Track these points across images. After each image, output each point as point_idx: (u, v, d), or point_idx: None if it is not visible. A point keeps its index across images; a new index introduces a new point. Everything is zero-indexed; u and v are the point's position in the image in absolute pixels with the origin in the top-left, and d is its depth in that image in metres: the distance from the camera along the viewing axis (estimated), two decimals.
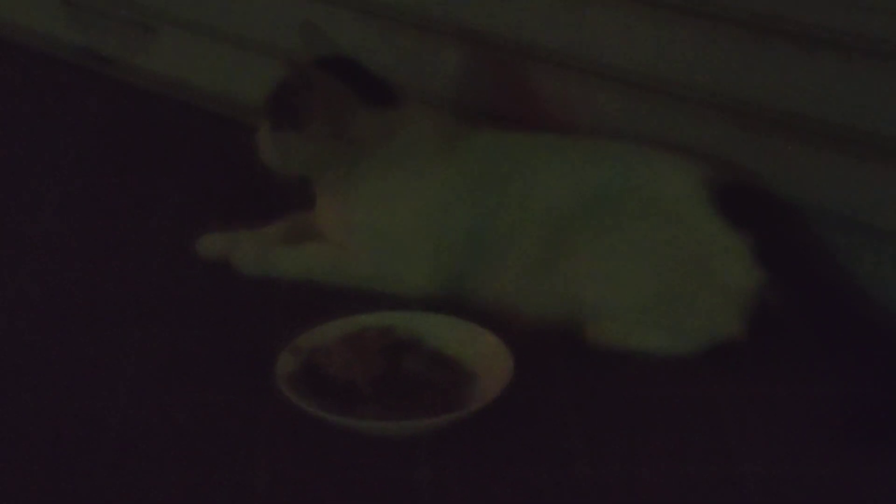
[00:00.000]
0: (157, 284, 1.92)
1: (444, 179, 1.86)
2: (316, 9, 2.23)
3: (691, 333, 1.75)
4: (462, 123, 1.97)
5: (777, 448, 1.60)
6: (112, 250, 2.01)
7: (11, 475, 1.57)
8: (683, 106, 1.92)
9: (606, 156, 1.85)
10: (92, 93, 2.51)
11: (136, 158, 2.29)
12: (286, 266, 1.92)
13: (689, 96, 1.92)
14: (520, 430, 1.63)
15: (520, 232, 1.81)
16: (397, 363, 1.68)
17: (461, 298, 1.84)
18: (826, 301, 1.75)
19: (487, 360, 1.69)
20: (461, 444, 1.60)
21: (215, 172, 2.21)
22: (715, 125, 1.90)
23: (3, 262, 1.98)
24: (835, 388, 1.68)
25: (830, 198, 1.82)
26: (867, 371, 1.69)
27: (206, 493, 1.54)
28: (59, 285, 1.93)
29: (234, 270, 1.93)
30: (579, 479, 1.56)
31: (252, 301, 1.88)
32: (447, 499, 1.54)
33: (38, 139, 2.36)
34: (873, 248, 1.79)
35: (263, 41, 2.32)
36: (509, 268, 1.81)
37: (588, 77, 2.01)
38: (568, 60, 2.02)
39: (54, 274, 1.96)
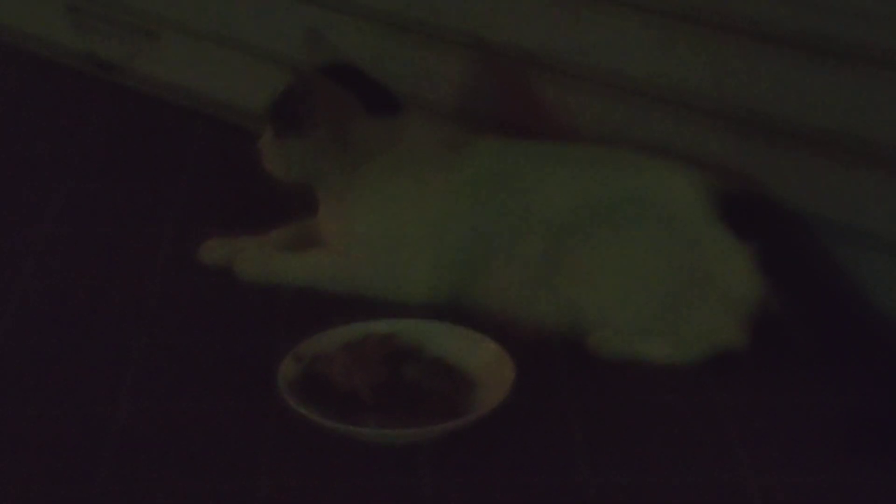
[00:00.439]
0: (159, 290, 1.92)
1: (447, 187, 1.86)
2: (320, 16, 2.23)
3: (693, 342, 1.75)
4: (464, 131, 1.97)
5: (779, 457, 1.60)
6: (114, 256, 2.01)
7: (14, 480, 1.56)
8: (686, 114, 1.92)
9: (609, 164, 1.85)
10: (95, 98, 2.51)
11: (138, 164, 2.29)
12: (288, 273, 1.92)
13: (693, 104, 1.91)
14: (521, 438, 1.63)
15: (522, 240, 1.81)
16: (399, 371, 1.68)
17: (463, 306, 1.84)
18: (829, 310, 1.75)
19: (489, 367, 1.69)
20: (463, 452, 1.60)
21: (218, 179, 2.22)
22: (718, 134, 1.90)
23: (6, 267, 1.98)
24: (838, 397, 1.68)
25: (833, 206, 1.82)
26: (870, 380, 1.68)
27: (208, 500, 1.54)
28: (62, 290, 1.93)
29: (236, 277, 1.93)
30: (581, 488, 1.55)
31: (254, 308, 1.88)
32: None
33: (41, 145, 2.36)
34: (876, 257, 1.79)
35: (267, 48, 2.32)
36: (511, 275, 1.81)
37: (591, 85, 2.00)
38: (571, 68, 2.02)
39: (57, 279, 1.96)
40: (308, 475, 1.58)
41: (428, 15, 2.15)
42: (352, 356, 1.69)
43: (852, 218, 1.80)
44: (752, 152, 1.88)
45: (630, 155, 1.87)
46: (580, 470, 1.58)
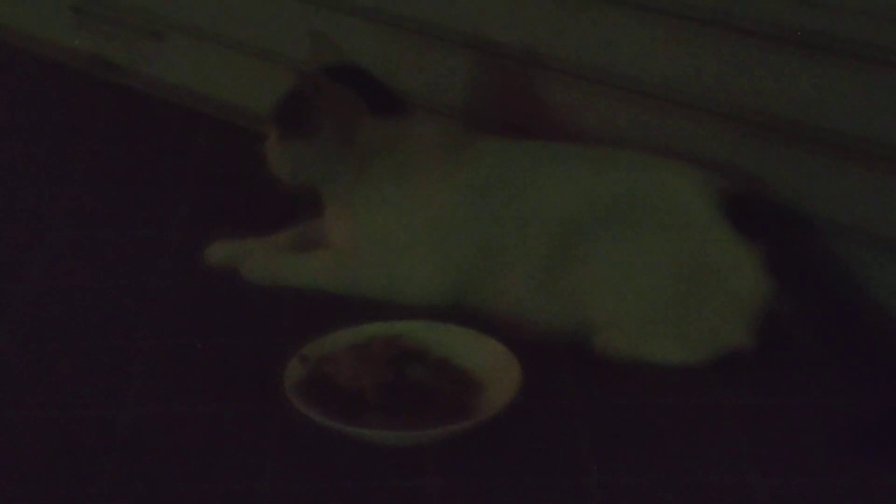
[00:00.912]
0: (164, 292, 1.92)
1: (452, 188, 1.86)
2: (325, 18, 2.23)
3: (700, 343, 1.75)
4: (469, 132, 1.97)
5: (786, 459, 1.60)
6: (120, 257, 2.01)
7: (19, 482, 1.57)
8: (693, 115, 1.92)
9: (615, 165, 1.85)
10: (100, 100, 2.51)
11: (144, 166, 2.29)
12: (294, 274, 1.92)
13: (699, 105, 1.91)
14: (527, 439, 1.63)
15: (527, 241, 1.81)
16: (405, 372, 1.68)
17: (469, 307, 1.83)
18: (836, 312, 1.75)
19: (495, 369, 1.69)
20: (469, 454, 1.60)
21: (223, 180, 2.22)
22: (725, 135, 1.90)
23: (12, 268, 1.98)
24: (845, 398, 1.68)
25: (840, 207, 1.81)
26: (877, 382, 1.68)
27: (214, 501, 1.54)
28: (68, 291, 1.93)
29: (242, 278, 1.93)
30: (587, 489, 1.55)
31: (259, 309, 1.88)
32: None
33: (46, 146, 2.36)
34: (884, 258, 1.79)
35: (272, 49, 2.32)
36: (517, 277, 1.81)
37: (596, 86, 2.00)
38: (576, 69, 2.02)
39: (63, 280, 1.96)
40: (314, 476, 1.58)
41: (432, 16, 2.15)
42: (358, 358, 1.69)
43: (859, 219, 1.80)
44: (758, 153, 1.88)
45: (635, 155, 1.87)
46: (586, 471, 1.58)
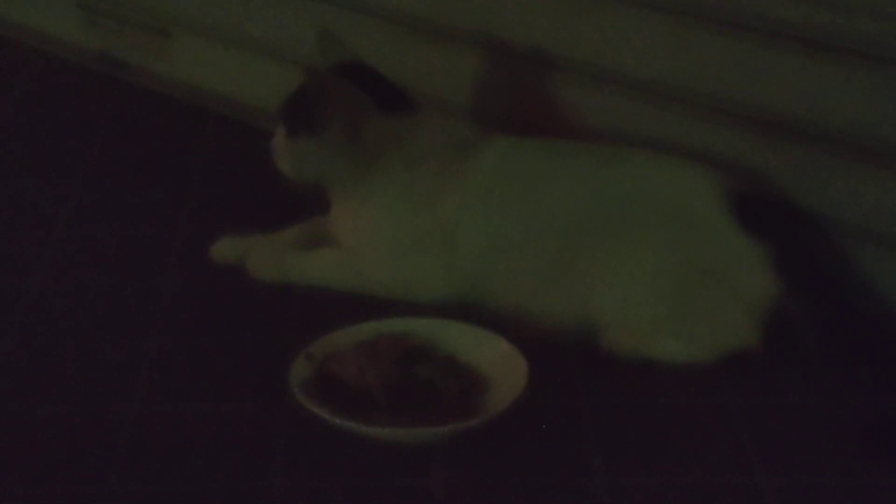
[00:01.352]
0: (171, 289, 1.92)
1: (459, 186, 1.86)
2: (333, 15, 2.23)
3: (707, 343, 1.74)
4: (477, 130, 1.97)
5: (793, 458, 1.59)
6: (127, 254, 2.01)
7: (27, 480, 1.57)
8: (701, 114, 1.92)
9: (623, 163, 1.84)
10: (107, 97, 2.51)
11: (151, 163, 2.29)
12: (301, 272, 1.92)
13: (707, 104, 1.91)
14: (533, 438, 1.63)
15: (535, 239, 1.81)
16: (411, 370, 1.68)
17: (476, 305, 1.83)
18: (843, 311, 1.74)
19: (502, 367, 1.69)
20: (475, 452, 1.60)
21: (230, 178, 2.21)
22: (733, 133, 1.90)
23: (20, 265, 1.98)
24: (852, 398, 1.68)
25: (848, 206, 1.81)
26: (885, 382, 1.68)
27: (221, 499, 1.54)
28: (75, 289, 1.93)
29: (249, 276, 1.93)
30: (594, 488, 1.55)
31: (266, 307, 1.88)
32: None
33: (53, 143, 2.36)
34: (892, 257, 1.78)
35: (279, 47, 2.32)
36: (524, 275, 1.81)
37: (605, 84, 2.00)
38: (585, 67, 2.02)
39: (70, 277, 1.96)
40: (320, 474, 1.58)
41: (440, 14, 2.15)
42: (364, 355, 1.69)
43: (867, 218, 1.80)
44: (766, 151, 1.87)
45: (644, 154, 1.87)
46: (593, 470, 1.58)
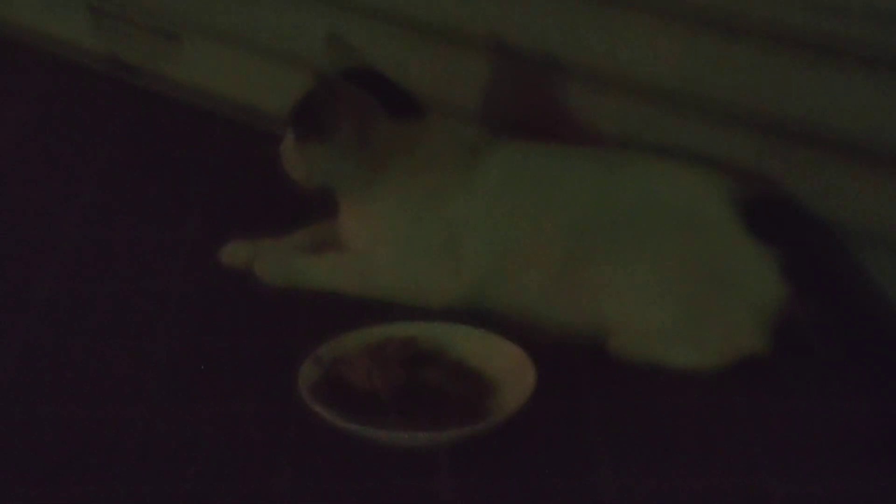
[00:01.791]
0: (180, 292, 1.93)
1: (468, 190, 1.86)
2: (342, 20, 2.23)
3: (716, 347, 1.74)
4: (486, 134, 1.97)
5: (802, 464, 1.59)
6: (135, 258, 2.02)
7: (34, 481, 1.57)
8: (710, 118, 1.92)
9: (631, 168, 1.84)
10: (116, 101, 2.51)
11: (159, 167, 2.29)
12: (309, 276, 1.92)
13: (716, 108, 1.91)
14: (542, 441, 1.63)
15: (543, 243, 1.81)
16: (419, 374, 1.68)
17: (484, 309, 1.83)
18: (852, 315, 1.74)
19: (510, 371, 1.69)
20: (483, 456, 1.60)
21: (239, 182, 2.22)
22: (743, 138, 1.90)
23: (27, 270, 1.98)
24: (861, 403, 1.68)
25: (857, 211, 1.81)
26: (894, 387, 1.68)
27: (228, 502, 1.54)
28: (83, 292, 1.93)
29: (257, 279, 1.93)
30: (601, 492, 1.55)
31: (275, 310, 1.88)
32: None
33: (61, 146, 2.36)
34: None
35: (289, 51, 2.32)
36: (533, 279, 1.81)
37: (614, 89, 2.00)
38: (594, 72, 2.02)
39: (78, 280, 1.96)
40: (328, 478, 1.58)
41: (449, 18, 2.15)
42: (372, 359, 1.69)
43: (877, 223, 1.80)
44: (775, 156, 1.87)
45: (652, 159, 1.87)
46: (601, 474, 1.58)
